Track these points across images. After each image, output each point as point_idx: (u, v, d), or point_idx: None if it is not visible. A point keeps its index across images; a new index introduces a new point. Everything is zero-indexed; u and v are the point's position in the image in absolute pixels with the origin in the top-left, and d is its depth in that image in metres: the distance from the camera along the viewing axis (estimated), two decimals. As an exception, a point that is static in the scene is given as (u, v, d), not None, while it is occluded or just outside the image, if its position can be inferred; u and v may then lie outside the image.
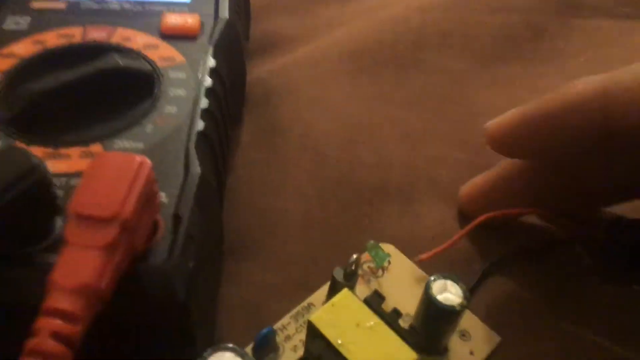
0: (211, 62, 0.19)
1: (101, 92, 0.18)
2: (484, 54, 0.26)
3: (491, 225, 0.19)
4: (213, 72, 0.19)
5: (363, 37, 0.25)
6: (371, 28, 0.26)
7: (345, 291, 0.15)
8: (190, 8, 0.21)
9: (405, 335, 0.15)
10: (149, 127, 0.17)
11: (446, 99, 0.25)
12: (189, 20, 0.20)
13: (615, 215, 0.19)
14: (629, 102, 0.15)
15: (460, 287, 0.15)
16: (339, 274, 0.16)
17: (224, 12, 0.21)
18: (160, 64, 0.19)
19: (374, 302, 0.15)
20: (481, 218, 0.18)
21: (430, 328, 0.15)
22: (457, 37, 0.26)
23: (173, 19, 0.20)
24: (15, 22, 0.20)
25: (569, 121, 0.16)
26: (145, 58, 0.19)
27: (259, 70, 0.25)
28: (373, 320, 0.14)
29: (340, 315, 0.14)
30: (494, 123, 0.18)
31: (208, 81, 0.18)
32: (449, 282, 0.15)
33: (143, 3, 0.21)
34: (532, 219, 0.20)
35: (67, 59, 0.19)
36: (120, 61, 0.18)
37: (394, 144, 0.22)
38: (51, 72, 0.18)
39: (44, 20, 0.20)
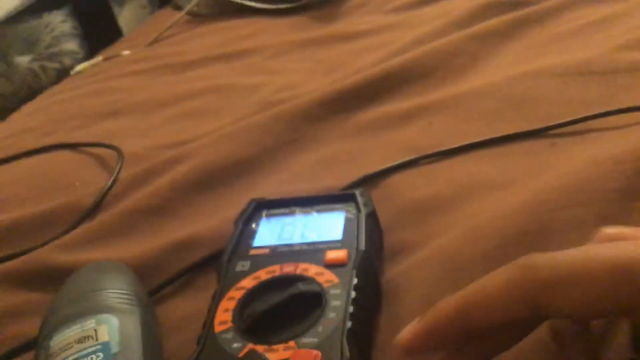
0: (355, 281, 0.31)
1: (291, 306, 0.30)
2: (559, 248, 0.35)
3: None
4: (356, 288, 0.31)
5: (459, 244, 0.36)
6: (465, 236, 0.36)
7: None
8: (342, 243, 0.34)
9: None
10: (320, 328, 0.29)
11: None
12: (341, 254, 0.33)
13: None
14: (482, 312, 0.23)
15: None
16: None
17: (362, 245, 0.33)
18: (324, 285, 0.31)
19: None
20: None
21: None
22: (536, 235, 0.35)
23: (332, 254, 0.33)
24: (242, 265, 0.34)
25: (441, 334, 0.24)
26: (316, 282, 0.32)
27: (390, 273, 0.36)
28: None
29: None
30: (398, 339, 0.25)
31: (353, 294, 0.30)
32: None
33: (313, 243, 0.35)
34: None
35: (272, 287, 0.32)
36: (302, 287, 0.31)
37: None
38: (264, 296, 0.31)
39: (258, 262, 0.34)
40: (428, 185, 0.43)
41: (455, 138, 0.47)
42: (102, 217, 0.47)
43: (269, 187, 0.48)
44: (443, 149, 0.46)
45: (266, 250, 0.35)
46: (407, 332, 0.25)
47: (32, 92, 1.30)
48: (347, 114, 0.55)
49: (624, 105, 0.44)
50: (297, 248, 0.35)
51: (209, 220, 0.45)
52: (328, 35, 0.76)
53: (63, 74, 1.28)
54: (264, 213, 0.39)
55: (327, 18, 0.81)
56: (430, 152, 0.46)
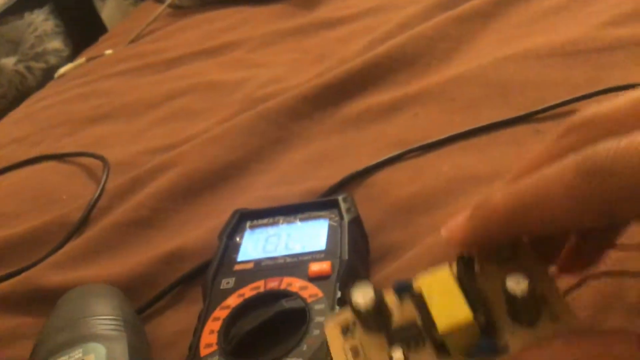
0: (338, 293, 0.31)
1: (276, 323, 0.30)
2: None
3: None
4: (340, 302, 0.30)
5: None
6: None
7: (446, 268, 0.22)
8: (325, 254, 0.34)
9: (476, 307, 0.20)
10: (304, 347, 0.29)
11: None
12: (324, 266, 0.33)
13: None
14: (540, 217, 0.19)
15: (529, 283, 0.20)
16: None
17: (345, 254, 0.33)
18: (309, 299, 0.31)
19: (464, 282, 0.21)
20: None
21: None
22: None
23: (315, 267, 0.33)
24: (226, 282, 0.34)
25: (491, 230, 0.21)
26: (300, 297, 0.31)
27: (378, 276, 0.36)
28: (456, 289, 0.21)
29: (438, 281, 0.21)
30: (445, 231, 0.22)
31: (337, 309, 0.30)
32: (522, 276, 0.20)
33: (297, 255, 0.34)
34: None
35: (258, 304, 0.32)
36: (286, 304, 0.31)
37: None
38: (249, 315, 0.31)
39: (242, 277, 0.34)
40: (414, 181, 0.43)
41: (441, 129, 0.47)
42: (90, 233, 0.47)
43: (256, 190, 0.48)
44: (428, 142, 0.46)
45: (250, 265, 0.35)
46: (454, 225, 0.22)
47: (20, 94, 1.30)
48: (332, 108, 0.55)
49: (609, 86, 0.43)
50: (281, 261, 0.34)
51: (197, 229, 0.45)
52: (312, 23, 0.75)
53: (49, 73, 1.27)
54: (248, 224, 0.39)
55: (310, 3, 0.80)
56: (416, 145, 0.46)
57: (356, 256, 0.34)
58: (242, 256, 0.36)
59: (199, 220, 0.46)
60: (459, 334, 0.20)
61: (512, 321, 0.21)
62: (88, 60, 0.89)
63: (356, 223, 0.36)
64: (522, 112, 0.45)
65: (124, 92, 0.72)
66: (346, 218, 0.36)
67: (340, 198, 0.38)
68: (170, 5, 0.93)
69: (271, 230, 0.37)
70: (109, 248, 0.45)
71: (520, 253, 0.23)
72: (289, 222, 0.38)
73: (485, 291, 0.22)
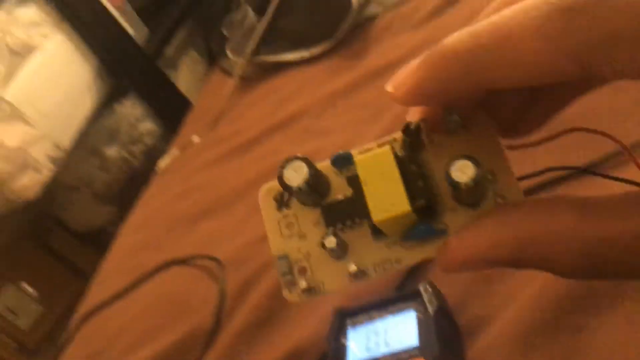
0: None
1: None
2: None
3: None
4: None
5: (525, 313, 0.39)
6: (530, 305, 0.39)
7: (387, 149, 0.21)
8: (419, 350, 0.39)
9: (416, 193, 0.20)
10: None
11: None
12: (420, 363, 0.38)
13: None
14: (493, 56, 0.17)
15: (476, 171, 0.19)
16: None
17: (435, 350, 0.38)
18: (412, 399, 0.36)
19: (406, 162, 0.21)
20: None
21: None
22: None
23: (411, 365, 0.38)
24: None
25: (445, 78, 0.19)
26: (404, 397, 0.37)
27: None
28: (395, 175, 0.20)
29: (377, 164, 0.20)
30: (391, 85, 0.20)
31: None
32: (470, 164, 0.19)
33: (396, 354, 0.40)
34: None
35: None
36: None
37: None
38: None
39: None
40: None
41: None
42: (223, 342, 0.55)
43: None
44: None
45: (357, 364, 0.40)
46: (401, 77, 0.20)
47: (129, 176, 1.46)
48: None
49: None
50: (383, 360, 0.40)
51: (308, 322, 0.51)
52: (363, 74, 0.79)
53: (149, 153, 1.42)
54: (349, 322, 0.44)
55: (358, 53, 0.84)
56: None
57: (447, 348, 0.39)
58: (351, 358, 0.42)
59: (306, 311, 0.53)
60: (394, 223, 0.20)
61: (455, 201, 0.21)
62: (181, 149, 0.99)
63: (441, 312, 0.41)
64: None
65: (217, 183, 0.81)
66: (430, 309, 0.40)
67: (421, 287, 0.42)
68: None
69: (370, 328, 0.43)
70: (242, 353, 0.53)
71: (473, 119, 0.21)
72: (382, 316, 0.43)
73: (431, 166, 0.21)
